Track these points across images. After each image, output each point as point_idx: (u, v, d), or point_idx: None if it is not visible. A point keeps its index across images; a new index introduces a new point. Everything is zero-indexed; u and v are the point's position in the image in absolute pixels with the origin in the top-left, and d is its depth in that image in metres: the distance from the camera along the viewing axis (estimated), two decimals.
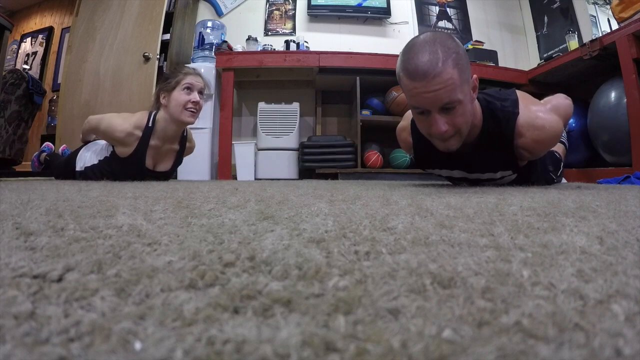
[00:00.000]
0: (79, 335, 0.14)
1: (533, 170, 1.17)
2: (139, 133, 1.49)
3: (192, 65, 2.80)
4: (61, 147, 2.24)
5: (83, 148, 1.71)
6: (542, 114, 1.00)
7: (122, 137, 1.46)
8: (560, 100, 1.09)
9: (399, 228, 0.37)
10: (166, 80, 1.55)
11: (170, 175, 1.70)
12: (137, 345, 0.13)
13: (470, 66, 0.94)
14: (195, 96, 1.52)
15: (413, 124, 1.13)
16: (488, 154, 1.05)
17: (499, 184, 1.16)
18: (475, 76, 0.95)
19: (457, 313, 0.16)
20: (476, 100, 1.01)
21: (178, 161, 1.69)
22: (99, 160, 1.57)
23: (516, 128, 0.99)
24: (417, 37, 0.95)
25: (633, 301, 0.18)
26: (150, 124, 1.51)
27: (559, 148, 1.68)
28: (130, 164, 1.50)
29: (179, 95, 1.50)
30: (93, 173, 1.57)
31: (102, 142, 1.62)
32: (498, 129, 1.00)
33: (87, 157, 1.63)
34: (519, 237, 0.33)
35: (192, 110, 1.52)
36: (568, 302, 0.18)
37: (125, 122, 1.47)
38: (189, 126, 1.63)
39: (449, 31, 3.46)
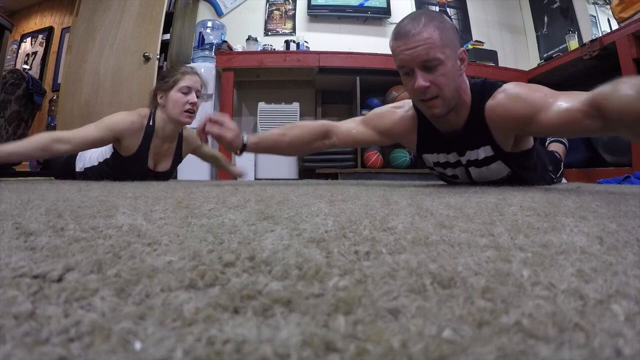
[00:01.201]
0: (79, 335, 0.14)
1: (531, 170, 1.15)
2: (145, 122, 1.49)
3: (192, 65, 2.80)
4: None
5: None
6: (522, 84, 1.02)
7: (135, 121, 1.46)
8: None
9: (399, 228, 0.37)
10: (163, 79, 1.54)
11: (170, 175, 1.70)
12: (137, 345, 0.13)
13: (458, 40, 0.99)
14: (193, 97, 1.51)
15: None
16: (472, 132, 1.06)
17: (491, 175, 1.14)
18: (462, 49, 0.99)
19: (457, 313, 0.16)
20: (466, 79, 1.04)
21: (177, 160, 1.69)
22: (99, 162, 1.56)
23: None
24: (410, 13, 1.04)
25: (633, 301, 0.18)
26: (151, 123, 1.51)
27: (558, 148, 1.67)
28: (132, 165, 1.50)
29: (176, 96, 1.49)
30: (93, 175, 1.57)
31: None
32: (482, 101, 1.03)
33: (86, 158, 1.63)
34: (519, 237, 0.33)
35: (190, 111, 1.51)
36: (568, 302, 0.18)
37: (131, 114, 1.48)
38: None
39: None
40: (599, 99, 0.80)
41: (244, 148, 1.21)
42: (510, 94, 0.99)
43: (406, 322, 0.15)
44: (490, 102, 1.01)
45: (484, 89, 1.04)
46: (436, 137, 1.13)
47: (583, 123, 0.84)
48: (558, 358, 0.13)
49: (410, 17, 0.97)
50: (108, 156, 1.53)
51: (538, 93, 0.96)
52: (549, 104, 0.92)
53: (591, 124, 0.83)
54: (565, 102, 0.90)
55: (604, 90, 0.81)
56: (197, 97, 1.54)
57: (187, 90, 1.50)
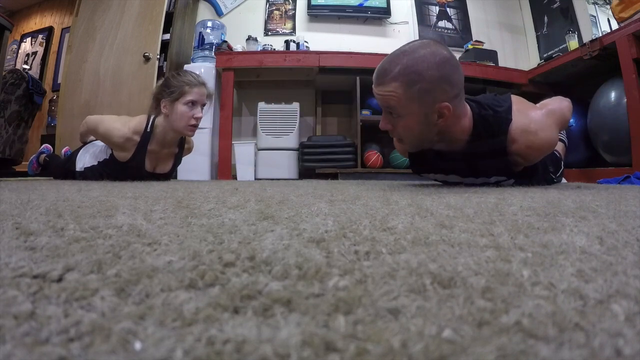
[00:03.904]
0: (79, 335, 0.14)
1: (534, 174, 1.16)
2: (137, 138, 1.47)
3: (192, 65, 2.80)
4: (63, 150, 2.23)
5: (83, 148, 1.71)
6: (537, 119, 1.00)
7: (121, 143, 1.45)
8: (556, 104, 1.07)
9: (399, 228, 0.37)
10: (169, 87, 1.52)
11: (170, 175, 1.70)
12: (137, 345, 0.13)
13: (441, 94, 0.90)
14: (198, 112, 1.51)
15: None
16: (480, 159, 1.06)
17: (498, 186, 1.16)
18: (445, 104, 0.91)
19: (457, 313, 0.16)
20: (460, 119, 0.98)
21: (177, 162, 1.69)
22: (99, 162, 1.57)
23: (509, 134, 0.99)
24: (413, 42, 0.97)
25: (633, 301, 0.18)
26: (148, 130, 1.50)
27: (559, 146, 1.67)
28: (129, 168, 1.50)
29: (182, 110, 1.48)
30: (92, 174, 1.57)
31: (102, 143, 1.61)
32: (491, 136, 1.01)
33: (86, 158, 1.63)
34: (519, 237, 0.33)
35: (195, 125, 1.52)
36: (568, 302, 0.18)
37: (124, 127, 1.46)
38: None
39: (448, 31, 3.46)
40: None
41: None
42: (539, 137, 0.99)
43: (406, 322, 0.15)
44: (518, 146, 0.99)
45: (488, 122, 1.01)
46: (432, 160, 1.13)
47: None
48: (558, 358, 0.13)
49: (393, 56, 0.93)
50: (107, 156, 1.54)
51: (550, 116, 1.01)
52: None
53: None
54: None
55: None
56: (202, 108, 1.54)
57: (193, 104, 1.50)
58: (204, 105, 1.55)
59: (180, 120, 1.49)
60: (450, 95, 0.92)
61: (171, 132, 1.53)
